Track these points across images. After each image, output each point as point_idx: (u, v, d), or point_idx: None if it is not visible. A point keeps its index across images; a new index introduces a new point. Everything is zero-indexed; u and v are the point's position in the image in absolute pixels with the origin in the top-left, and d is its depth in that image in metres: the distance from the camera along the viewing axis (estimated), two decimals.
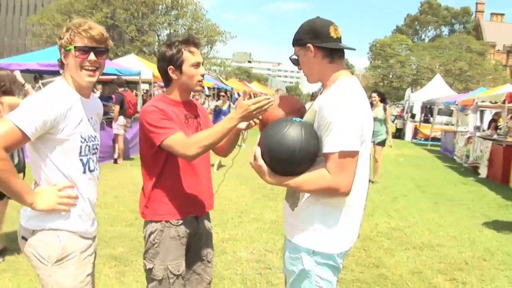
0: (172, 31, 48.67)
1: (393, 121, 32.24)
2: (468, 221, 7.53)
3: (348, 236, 2.30)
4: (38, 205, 2.14)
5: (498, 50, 63.88)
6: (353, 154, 2.12)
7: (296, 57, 2.37)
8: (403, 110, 31.62)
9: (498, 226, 7.33)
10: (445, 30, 68.10)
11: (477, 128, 16.43)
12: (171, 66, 2.63)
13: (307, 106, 2.57)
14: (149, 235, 2.67)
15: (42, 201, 2.15)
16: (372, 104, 9.85)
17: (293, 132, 2.11)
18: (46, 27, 42.24)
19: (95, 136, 2.40)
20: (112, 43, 2.39)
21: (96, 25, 2.28)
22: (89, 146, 2.34)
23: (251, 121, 2.52)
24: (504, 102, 12.98)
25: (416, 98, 26.66)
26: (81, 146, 2.29)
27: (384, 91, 62.69)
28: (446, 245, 6.02)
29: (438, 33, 68.41)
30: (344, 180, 2.10)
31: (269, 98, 2.39)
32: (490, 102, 14.89)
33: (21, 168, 4.73)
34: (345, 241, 2.29)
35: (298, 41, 2.32)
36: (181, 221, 2.69)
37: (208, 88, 21.21)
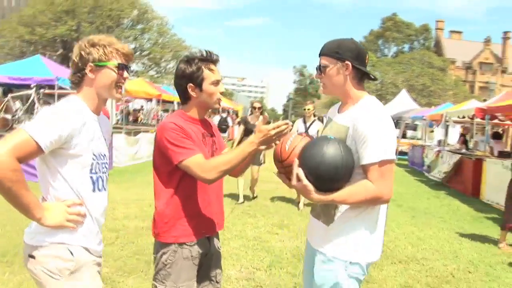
0: (137, 45, 48.44)
1: None
2: (446, 234, 7.67)
3: (379, 246, 2.45)
4: (46, 220, 2.05)
5: (458, 66, 66.01)
6: (392, 162, 2.29)
7: (324, 66, 2.43)
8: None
9: (476, 238, 7.48)
10: (406, 47, 69.87)
11: (442, 142, 16.80)
12: (191, 84, 2.57)
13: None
14: (161, 256, 2.58)
15: (50, 216, 2.06)
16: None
17: (332, 150, 2.20)
18: (8, 39, 41.32)
19: (105, 155, 2.32)
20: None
21: (125, 44, 2.30)
22: (99, 164, 2.26)
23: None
24: (472, 118, 13.35)
25: None
26: (92, 163, 2.21)
27: None
28: (430, 258, 6.09)
29: (400, 49, 70.15)
30: (386, 187, 2.26)
31: (287, 123, 2.40)
32: (458, 117, 15.28)
33: None
34: (377, 251, 2.44)
35: (337, 54, 2.39)
36: (195, 242, 2.62)
37: (178, 102, 21.01)
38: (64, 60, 37.37)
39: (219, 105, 2.73)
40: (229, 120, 23.31)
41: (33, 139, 1.94)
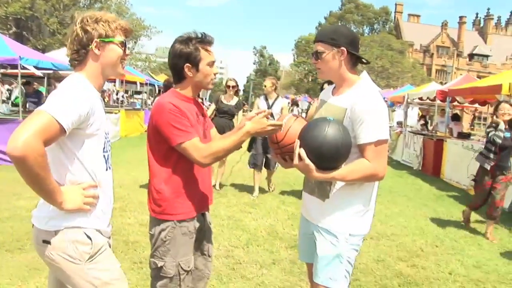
0: None
1: None
2: (412, 211, 7.96)
3: (371, 219, 2.64)
4: (67, 204, 2.02)
5: (416, 49, 67.33)
6: (386, 142, 2.46)
7: (321, 52, 2.54)
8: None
9: (439, 214, 7.82)
10: (366, 29, 70.73)
11: (400, 124, 17.19)
12: (188, 64, 2.60)
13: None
14: (160, 233, 2.62)
15: (70, 200, 2.03)
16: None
17: (332, 131, 2.33)
18: None
19: (109, 132, 2.32)
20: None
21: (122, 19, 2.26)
22: (108, 142, 2.26)
23: None
24: (433, 100, 13.75)
25: None
26: (105, 142, 2.21)
27: (309, 87, 64.74)
28: (399, 234, 6.33)
29: (360, 32, 70.98)
30: (382, 165, 2.45)
31: (281, 124, 2.52)
32: (419, 98, 15.69)
33: None
34: (370, 224, 2.63)
35: (333, 41, 2.51)
36: (193, 218, 2.67)
37: (141, 83, 20.71)
38: (18, 38, 36.01)
39: (213, 85, 2.76)
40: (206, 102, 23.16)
41: (56, 120, 1.87)
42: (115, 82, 23.68)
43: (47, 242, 2.10)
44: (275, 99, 8.18)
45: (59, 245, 2.08)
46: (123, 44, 2.23)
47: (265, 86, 8.27)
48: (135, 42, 47.78)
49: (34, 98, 13.43)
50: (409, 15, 75.51)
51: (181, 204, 2.62)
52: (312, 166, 2.35)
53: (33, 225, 2.18)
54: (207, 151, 2.49)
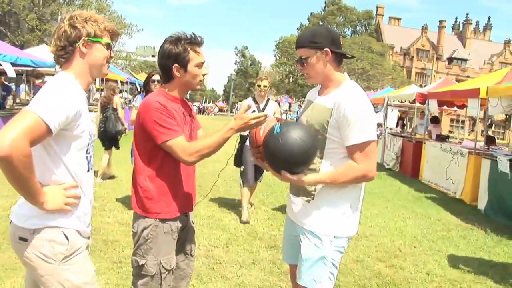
0: None
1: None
2: (391, 212, 8.04)
3: (357, 221, 2.64)
4: (48, 204, 2.00)
5: (396, 52, 67.99)
6: (374, 142, 2.47)
7: (305, 58, 2.55)
8: None
9: (418, 216, 7.91)
10: (348, 32, 71.23)
11: (380, 125, 17.37)
12: (176, 64, 2.59)
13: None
14: (142, 230, 2.61)
15: (51, 201, 2.02)
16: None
17: (292, 139, 2.35)
18: None
19: (93, 133, 2.30)
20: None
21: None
22: (91, 143, 2.25)
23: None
24: (413, 102, 13.91)
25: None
26: (88, 144, 2.19)
27: (290, 88, 64.89)
28: (378, 235, 6.40)
29: (342, 34, 71.43)
30: (371, 165, 2.46)
31: (266, 115, 2.53)
32: (398, 101, 15.86)
33: None
34: (356, 225, 2.63)
35: (315, 44, 2.51)
36: (176, 217, 2.67)
37: (122, 82, 20.52)
38: None
39: (201, 86, 2.76)
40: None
41: (43, 120, 1.85)
42: (95, 80, 23.42)
43: (23, 239, 2.08)
44: (267, 102, 6.82)
45: (35, 243, 2.06)
46: (109, 46, 2.22)
47: (259, 86, 6.68)
48: (115, 40, 47.39)
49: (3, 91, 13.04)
50: (390, 18, 76.24)
51: (165, 203, 2.62)
52: (293, 177, 2.41)
53: (11, 221, 2.16)
54: (192, 149, 2.49)
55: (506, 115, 19.08)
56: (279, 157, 2.37)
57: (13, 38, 39.39)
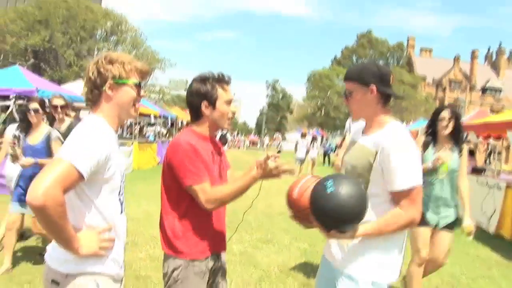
0: None
1: (334, 151, 33.23)
2: None
3: (399, 267, 2.48)
4: (82, 250, 1.99)
5: (428, 83, 67.48)
6: (420, 187, 2.36)
7: (350, 91, 2.49)
8: (343, 140, 32.47)
9: (456, 253, 7.61)
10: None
11: None
12: (205, 101, 2.62)
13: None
14: (172, 271, 2.59)
15: (86, 246, 2.01)
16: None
17: (346, 198, 2.19)
18: None
19: (124, 173, 2.30)
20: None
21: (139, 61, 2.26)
22: (123, 184, 2.24)
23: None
24: None
25: (355, 128, 27.42)
26: (120, 185, 2.19)
27: (321, 120, 64.97)
28: None
29: None
30: (417, 211, 2.34)
31: (292, 169, 2.50)
32: None
33: None
34: (398, 271, 2.47)
35: (362, 79, 2.44)
36: (206, 258, 2.64)
37: (155, 116, 20.86)
38: (35, 70, 36.77)
39: (229, 124, 2.77)
40: (228, 135, 22.99)
41: (75, 168, 1.86)
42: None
43: (55, 282, 2.07)
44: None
45: None
46: (138, 86, 2.22)
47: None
48: (150, 75, 48.52)
49: None
50: (421, 49, 75.96)
51: (195, 242, 2.60)
52: (344, 236, 2.29)
53: (45, 262, 2.16)
54: (213, 197, 2.50)
55: None
56: (331, 216, 2.22)
57: (52, 73, 40.75)
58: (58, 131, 5.65)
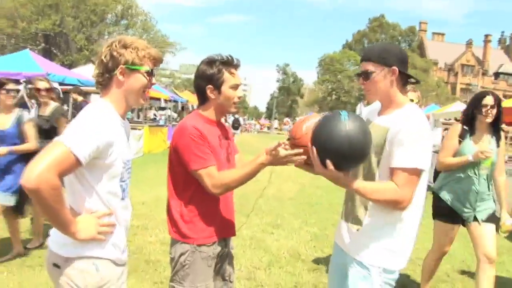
0: None
1: None
2: None
3: (409, 254, 2.47)
4: (80, 234, 1.99)
5: (440, 67, 66.80)
6: (421, 173, 2.29)
7: (370, 72, 2.40)
8: None
9: (465, 238, 7.51)
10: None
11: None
12: (210, 86, 2.58)
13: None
14: (179, 256, 2.59)
15: (84, 230, 2.00)
16: None
17: (358, 130, 2.16)
18: None
19: (129, 160, 2.27)
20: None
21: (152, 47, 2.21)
22: (126, 171, 2.21)
23: None
24: (459, 120, 13.52)
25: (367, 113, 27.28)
26: (122, 172, 2.15)
27: (332, 105, 64.71)
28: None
29: None
30: (409, 194, 2.26)
31: (301, 152, 2.36)
32: (444, 119, 15.47)
33: None
34: (407, 259, 2.46)
35: (384, 60, 2.38)
36: (213, 243, 2.63)
37: (165, 100, 20.87)
38: (46, 54, 36.84)
39: (236, 109, 2.73)
40: (241, 119, 23.23)
41: (72, 152, 1.86)
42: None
43: (57, 266, 2.09)
44: None
45: (68, 272, 2.06)
46: (150, 74, 2.18)
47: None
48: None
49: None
50: (433, 33, 75.06)
51: (202, 227, 2.59)
52: (337, 174, 2.22)
53: (47, 245, 2.18)
54: (220, 181, 2.47)
55: None
56: (337, 144, 2.14)
57: (63, 58, 40.82)
58: (42, 115, 5.54)
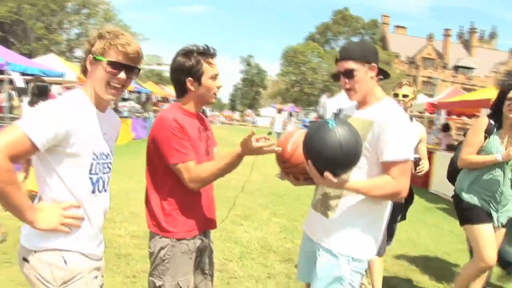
0: (83, 31, 46.80)
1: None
2: (403, 223, 7.92)
3: (379, 242, 2.53)
4: (39, 223, 1.93)
5: (402, 60, 68.00)
6: (410, 163, 2.42)
7: (352, 70, 2.46)
8: (319, 116, 32.47)
9: (430, 227, 7.84)
10: (354, 40, 71.37)
11: None
12: (190, 78, 2.53)
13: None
14: (159, 251, 2.54)
15: (43, 219, 1.94)
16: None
17: (348, 135, 2.21)
18: None
19: (108, 154, 2.19)
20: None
21: (133, 40, 2.10)
22: (100, 164, 2.13)
23: None
24: (423, 112, 13.85)
25: (331, 105, 27.52)
26: (92, 164, 2.08)
27: (295, 96, 65.02)
28: (392, 248, 6.29)
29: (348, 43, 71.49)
30: (406, 184, 2.37)
31: (274, 144, 2.45)
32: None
33: None
34: (376, 248, 2.52)
35: (365, 58, 2.46)
36: (194, 237, 2.60)
37: (129, 91, 20.52)
38: (3, 42, 35.62)
39: (215, 99, 2.70)
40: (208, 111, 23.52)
41: (27, 137, 1.82)
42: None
43: (25, 260, 2.03)
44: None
45: (36, 265, 2.01)
46: (113, 66, 2.05)
47: (396, 96, 4.28)
48: None
49: None
50: (396, 26, 76.29)
51: (182, 221, 2.55)
52: (337, 180, 2.26)
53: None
54: (197, 176, 2.45)
55: None
56: (330, 152, 2.19)
57: (20, 46, 39.57)
58: None
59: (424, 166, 4.21)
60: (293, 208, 8.30)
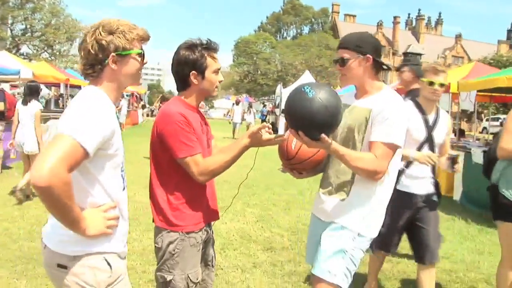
0: (28, 26, 45.14)
1: (266, 117, 33.52)
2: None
3: (381, 224, 2.68)
4: (90, 230, 1.88)
5: None
6: (396, 149, 2.52)
7: (347, 59, 2.59)
8: (275, 105, 32.75)
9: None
10: (305, 29, 72.05)
11: None
12: (194, 71, 2.54)
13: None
14: (168, 245, 2.54)
15: (92, 226, 1.89)
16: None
17: (325, 97, 2.28)
18: None
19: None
20: None
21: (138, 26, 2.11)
22: (124, 160, 2.14)
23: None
24: None
25: (287, 94, 27.78)
26: (122, 161, 2.09)
27: (249, 87, 65.08)
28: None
29: (299, 32, 72.12)
30: (384, 166, 2.48)
31: (283, 135, 2.56)
32: None
33: None
34: (378, 230, 2.67)
35: (359, 48, 2.58)
36: (201, 229, 2.63)
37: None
38: None
39: (216, 93, 2.73)
40: None
41: (80, 144, 1.74)
42: (59, 86, 22.81)
43: (63, 266, 1.95)
44: (437, 114, 3.83)
45: (77, 271, 1.94)
46: (141, 55, 2.09)
47: (431, 85, 3.67)
48: (71, 44, 46.21)
49: None
50: (346, 15, 77.45)
51: (190, 214, 2.56)
52: (329, 141, 2.33)
53: (45, 245, 2.02)
54: (206, 169, 2.48)
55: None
56: (318, 121, 2.26)
57: None
58: None
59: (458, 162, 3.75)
60: (265, 198, 8.39)
